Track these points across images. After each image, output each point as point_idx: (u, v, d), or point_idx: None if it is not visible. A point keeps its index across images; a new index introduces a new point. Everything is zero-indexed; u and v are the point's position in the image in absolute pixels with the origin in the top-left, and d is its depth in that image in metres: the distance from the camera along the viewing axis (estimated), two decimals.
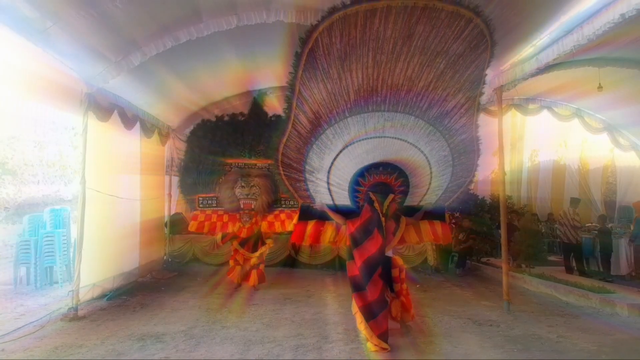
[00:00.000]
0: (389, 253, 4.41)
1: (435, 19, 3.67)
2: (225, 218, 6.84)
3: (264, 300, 6.09)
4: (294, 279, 7.75)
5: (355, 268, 4.12)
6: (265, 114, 7.95)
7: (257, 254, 6.86)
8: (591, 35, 4.22)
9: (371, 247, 4.06)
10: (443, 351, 3.90)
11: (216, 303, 5.85)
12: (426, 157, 4.39)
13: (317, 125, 4.19)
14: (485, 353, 3.85)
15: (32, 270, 7.10)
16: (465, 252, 8.77)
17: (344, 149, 4.27)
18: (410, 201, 4.56)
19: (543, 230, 10.81)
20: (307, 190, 4.47)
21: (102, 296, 5.99)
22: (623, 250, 7.42)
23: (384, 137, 4.27)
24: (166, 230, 9.30)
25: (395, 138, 4.28)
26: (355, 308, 4.13)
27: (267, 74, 8.90)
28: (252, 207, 6.76)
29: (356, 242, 4.17)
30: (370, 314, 3.96)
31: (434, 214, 4.74)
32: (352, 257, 4.20)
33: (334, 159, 4.32)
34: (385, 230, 4.21)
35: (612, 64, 7.83)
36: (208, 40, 5.99)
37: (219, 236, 7.25)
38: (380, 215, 4.19)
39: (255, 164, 6.97)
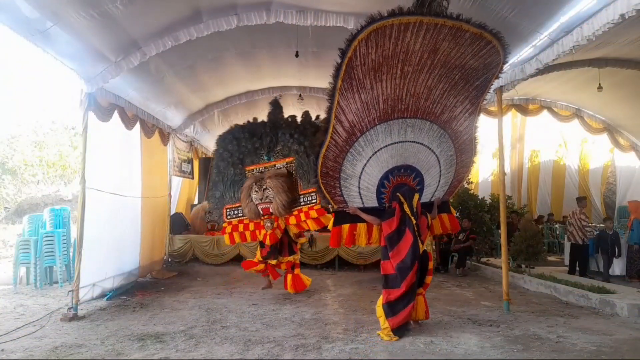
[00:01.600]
0: (424, 248, 4.65)
1: (460, 37, 4.02)
2: (252, 226, 6.45)
3: (264, 300, 6.09)
4: None
5: (390, 267, 4.43)
6: (282, 115, 8.45)
7: (289, 258, 6.47)
8: (591, 36, 4.22)
9: (405, 247, 4.37)
10: (443, 351, 3.90)
11: (216, 303, 5.85)
12: (437, 158, 4.82)
13: (352, 134, 4.45)
14: (485, 353, 3.85)
15: (32, 270, 7.11)
16: (465, 252, 8.77)
17: (373, 155, 4.60)
18: (423, 198, 4.87)
19: (543, 231, 10.81)
20: (342, 195, 4.76)
21: (102, 296, 6.00)
22: (623, 250, 7.42)
23: (406, 141, 4.63)
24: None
25: (415, 142, 4.66)
26: (380, 302, 4.48)
27: (269, 73, 8.93)
28: (270, 210, 6.29)
29: (392, 243, 4.45)
30: (391, 311, 4.31)
31: (441, 208, 5.18)
32: (387, 257, 4.49)
33: (364, 165, 4.64)
34: (419, 227, 4.51)
35: (612, 64, 7.84)
36: (208, 40, 6.00)
37: (257, 254, 6.59)
38: (410, 215, 4.45)
39: (274, 165, 6.70)
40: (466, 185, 10.49)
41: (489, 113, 9.61)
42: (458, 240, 8.98)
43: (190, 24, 5.60)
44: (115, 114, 6.19)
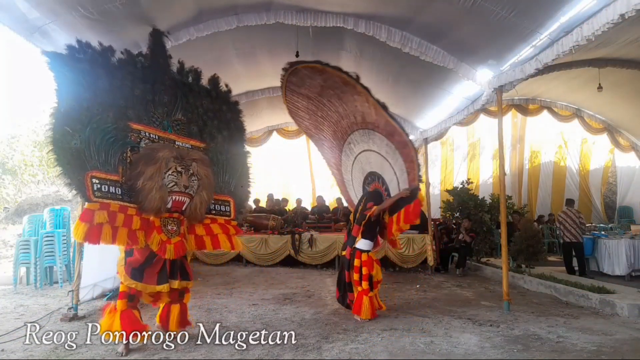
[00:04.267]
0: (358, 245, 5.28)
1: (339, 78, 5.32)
2: (137, 223, 3.91)
3: (264, 300, 6.09)
4: (294, 279, 7.75)
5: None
6: (182, 65, 4.89)
7: (183, 283, 4.21)
8: (591, 36, 4.22)
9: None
10: (443, 351, 3.90)
11: (216, 303, 5.85)
12: (379, 153, 5.63)
13: (335, 169, 6.50)
14: (485, 353, 3.85)
15: (32, 270, 7.11)
16: (464, 251, 8.77)
17: (352, 179, 6.14)
18: (392, 193, 5.48)
19: (543, 231, 10.81)
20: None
21: (102, 296, 5.99)
22: (623, 250, 7.41)
23: (357, 154, 5.90)
24: None
25: (362, 151, 5.81)
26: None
27: (269, 73, 8.92)
28: (183, 208, 4.18)
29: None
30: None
31: (407, 200, 5.11)
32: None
33: (353, 187, 6.21)
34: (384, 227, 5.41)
35: (612, 64, 7.84)
36: (208, 40, 6.00)
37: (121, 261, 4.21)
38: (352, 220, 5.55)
39: (175, 141, 4.45)
40: (466, 186, 10.51)
41: (489, 113, 9.64)
42: (458, 241, 8.99)
43: (190, 24, 5.60)
44: None
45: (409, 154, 5.26)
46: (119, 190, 3.92)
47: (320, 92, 5.60)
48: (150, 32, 4.88)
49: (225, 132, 4.97)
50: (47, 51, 3.85)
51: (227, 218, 4.76)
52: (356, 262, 5.11)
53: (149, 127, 4.29)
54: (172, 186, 4.03)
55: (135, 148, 4.12)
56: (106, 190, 3.83)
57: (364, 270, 5.05)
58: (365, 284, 5.03)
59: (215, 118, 4.93)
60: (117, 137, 3.95)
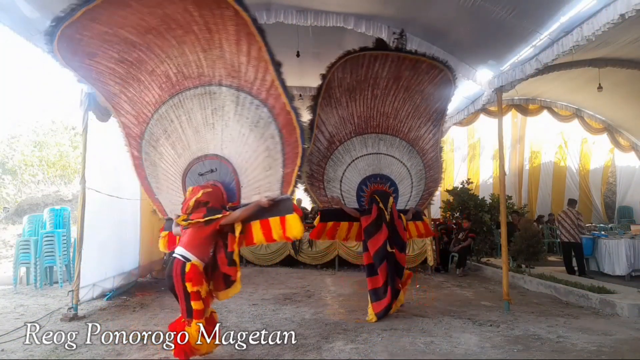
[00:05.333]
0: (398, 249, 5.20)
1: (417, 67, 5.12)
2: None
3: (264, 300, 6.09)
4: (294, 279, 7.75)
5: (369, 257, 5.09)
6: None
7: None
8: (591, 36, 4.22)
9: (381, 238, 5.02)
10: (443, 351, 3.90)
11: (216, 303, 5.83)
12: (408, 170, 5.62)
13: (332, 143, 5.39)
14: (485, 353, 3.85)
15: (32, 270, 7.11)
16: (464, 251, 8.77)
17: (351, 163, 5.48)
18: (398, 205, 5.51)
19: (543, 231, 10.81)
20: (326, 196, 5.42)
21: (102, 296, 6.00)
22: (623, 250, 7.41)
23: (379, 153, 5.54)
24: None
25: (387, 155, 5.55)
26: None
27: None
28: None
29: (369, 234, 5.09)
30: (375, 296, 4.98)
31: (415, 216, 5.72)
32: (366, 249, 5.12)
33: (344, 171, 5.48)
34: (397, 227, 5.15)
35: (612, 64, 7.84)
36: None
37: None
38: (385, 213, 5.10)
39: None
40: (466, 186, 10.52)
41: (489, 113, 9.63)
42: (458, 240, 8.99)
43: None
44: None
45: (432, 189, 5.90)
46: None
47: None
48: None
49: None
50: None
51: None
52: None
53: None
54: None
55: None
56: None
57: None
58: None
59: None
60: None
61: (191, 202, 3.57)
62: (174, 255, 3.50)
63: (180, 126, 3.91)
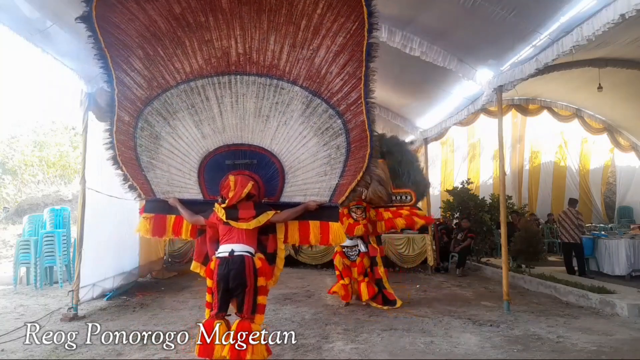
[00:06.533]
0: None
1: None
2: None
3: None
4: (294, 279, 7.74)
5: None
6: None
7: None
8: (591, 36, 4.22)
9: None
10: (443, 351, 3.90)
11: None
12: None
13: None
14: (485, 353, 3.85)
15: (32, 270, 7.11)
16: (464, 251, 8.77)
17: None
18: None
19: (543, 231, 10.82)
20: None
21: (102, 296, 5.99)
22: (623, 250, 7.41)
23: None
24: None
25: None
26: None
27: None
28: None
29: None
30: None
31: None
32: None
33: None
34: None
35: (612, 64, 7.84)
36: None
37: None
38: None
39: None
40: (466, 186, 10.51)
41: (489, 113, 9.62)
42: (457, 240, 8.98)
43: None
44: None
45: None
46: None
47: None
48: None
49: None
50: None
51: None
52: None
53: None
54: None
55: None
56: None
57: None
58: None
59: None
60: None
61: (243, 194, 3.43)
62: (238, 252, 3.31)
63: (218, 107, 3.48)
